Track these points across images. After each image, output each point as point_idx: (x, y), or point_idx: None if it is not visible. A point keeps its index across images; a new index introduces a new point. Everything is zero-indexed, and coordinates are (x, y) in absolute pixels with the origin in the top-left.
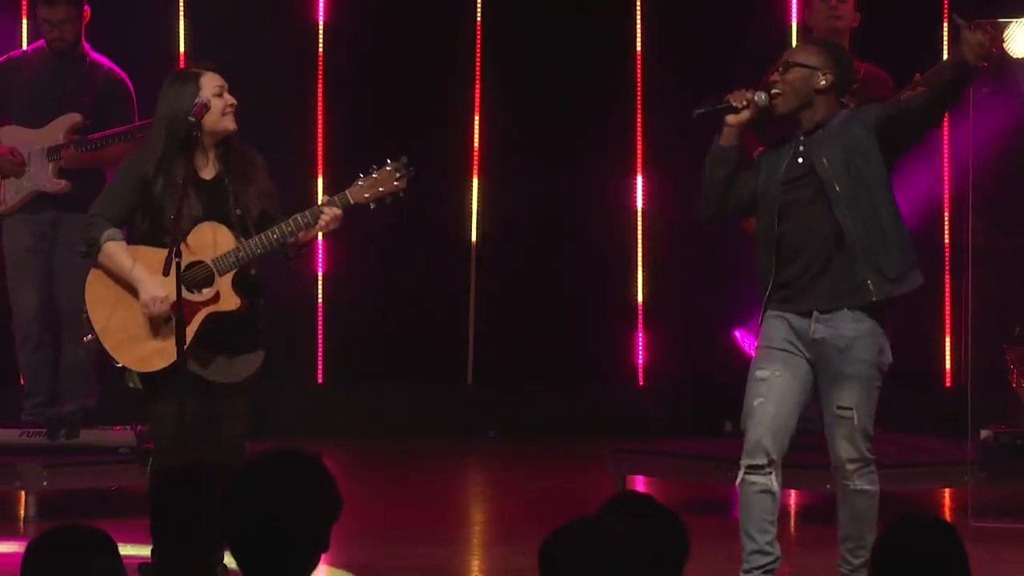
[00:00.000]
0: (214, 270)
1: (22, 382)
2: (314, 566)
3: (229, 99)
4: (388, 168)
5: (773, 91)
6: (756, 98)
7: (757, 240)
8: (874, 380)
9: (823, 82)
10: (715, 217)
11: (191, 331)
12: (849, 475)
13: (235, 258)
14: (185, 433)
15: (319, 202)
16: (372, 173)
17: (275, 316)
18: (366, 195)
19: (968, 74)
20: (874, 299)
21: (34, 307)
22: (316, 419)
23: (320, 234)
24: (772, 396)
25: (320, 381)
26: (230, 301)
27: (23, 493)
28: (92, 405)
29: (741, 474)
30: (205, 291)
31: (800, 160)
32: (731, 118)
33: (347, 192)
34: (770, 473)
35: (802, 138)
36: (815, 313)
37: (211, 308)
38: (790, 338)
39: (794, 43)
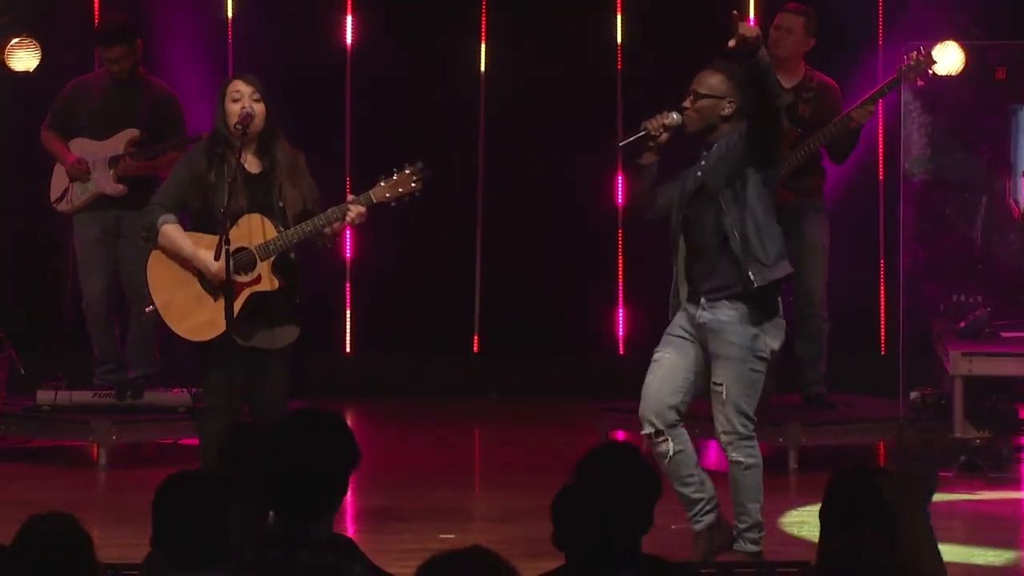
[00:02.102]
0: (256, 256)
1: (94, 352)
2: (336, 506)
3: (237, 106)
4: (407, 171)
5: (685, 115)
6: (668, 121)
7: (672, 245)
8: (747, 362)
9: (728, 110)
10: (641, 216)
11: (236, 308)
12: (725, 446)
13: (274, 246)
14: (234, 395)
15: (346, 200)
16: (392, 176)
17: (311, 295)
18: (387, 195)
19: (754, 61)
20: (756, 285)
21: (101, 289)
22: (345, 382)
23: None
24: (658, 375)
25: (348, 350)
26: (269, 282)
27: (96, 446)
28: (154, 371)
29: (645, 443)
30: (249, 274)
31: (700, 173)
32: (652, 143)
33: (370, 192)
34: (663, 440)
35: (704, 154)
36: (703, 300)
37: (253, 288)
38: (686, 326)
39: None
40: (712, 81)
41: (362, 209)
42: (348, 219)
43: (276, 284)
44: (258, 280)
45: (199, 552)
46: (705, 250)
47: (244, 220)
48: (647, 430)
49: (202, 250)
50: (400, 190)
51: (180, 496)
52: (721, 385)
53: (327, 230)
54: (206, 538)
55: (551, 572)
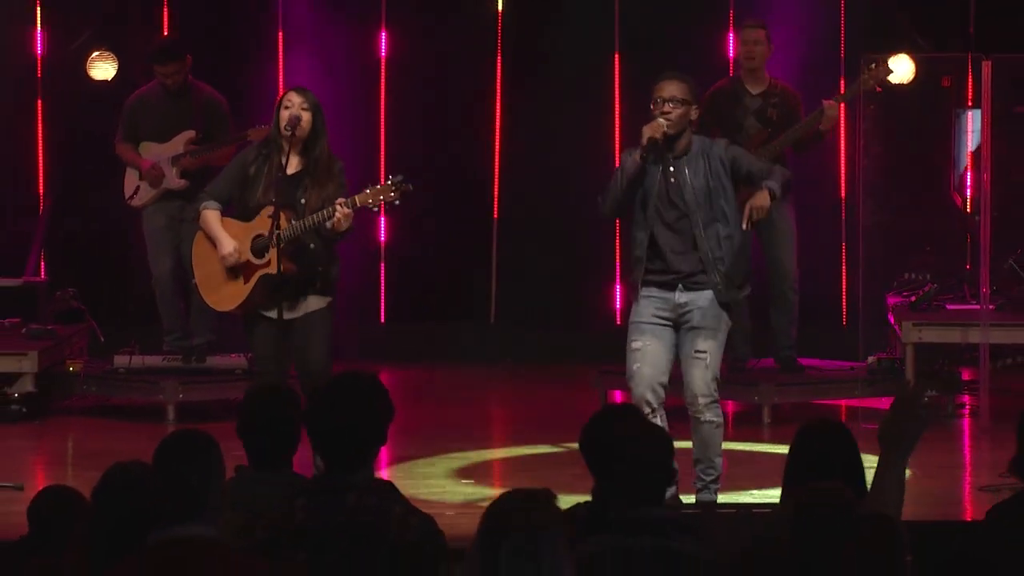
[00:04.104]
0: (269, 243)
1: (162, 323)
2: (375, 455)
3: (288, 112)
4: (388, 183)
5: (666, 120)
6: (664, 127)
7: (634, 235)
8: (723, 334)
9: (694, 115)
10: (617, 215)
11: (249, 286)
12: (700, 408)
13: (282, 236)
14: (279, 361)
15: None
16: (377, 185)
17: (349, 275)
18: (369, 200)
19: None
20: (722, 300)
21: (168, 269)
22: (380, 348)
23: (344, 226)
24: (647, 360)
25: (382, 320)
26: (277, 266)
27: (165, 403)
28: (214, 338)
29: None
30: (262, 258)
31: (672, 180)
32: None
33: (355, 197)
34: (655, 416)
35: (671, 158)
36: (680, 286)
37: (263, 271)
38: (657, 312)
39: (730, 71)
40: (684, 89)
41: (347, 211)
42: (336, 217)
43: (283, 268)
44: (268, 264)
45: (190, 506)
46: (684, 251)
47: (263, 212)
48: (645, 410)
49: (223, 233)
50: (380, 197)
51: (174, 455)
52: (705, 353)
53: (328, 224)
54: (196, 494)
55: (575, 506)
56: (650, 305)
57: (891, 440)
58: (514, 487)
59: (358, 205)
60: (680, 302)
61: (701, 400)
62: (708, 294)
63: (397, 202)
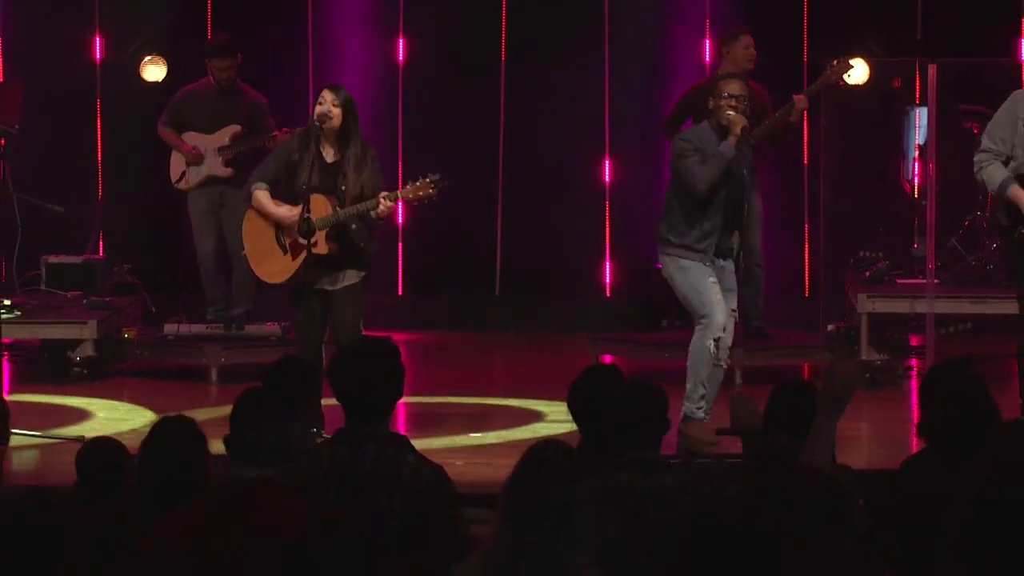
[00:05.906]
0: (315, 226)
1: (206, 295)
2: (391, 411)
3: (320, 108)
4: (427, 180)
5: (742, 115)
6: (745, 121)
7: (703, 210)
8: None
9: (747, 111)
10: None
11: (296, 264)
12: (728, 355)
13: (327, 221)
14: (315, 327)
15: (380, 195)
16: (416, 181)
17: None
18: (410, 196)
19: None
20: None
21: (211, 248)
22: (398, 317)
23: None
24: (720, 293)
25: (400, 293)
26: (321, 248)
27: (209, 366)
28: (252, 308)
29: (712, 344)
30: (308, 239)
31: (735, 165)
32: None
33: (398, 191)
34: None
35: (731, 148)
36: (720, 253)
37: (310, 250)
38: (712, 268)
39: (707, 71)
40: (745, 88)
41: (390, 204)
42: (380, 211)
43: (327, 250)
44: (315, 245)
45: (266, 453)
46: (726, 225)
47: (312, 198)
48: (721, 333)
49: (278, 209)
50: (420, 194)
51: (252, 411)
52: (736, 311)
53: (372, 214)
54: (272, 443)
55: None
56: (709, 262)
57: (826, 404)
58: (529, 442)
59: (400, 198)
60: (720, 265)
61: (730, 350)
62: (730, 262)
63: (435, 198)
